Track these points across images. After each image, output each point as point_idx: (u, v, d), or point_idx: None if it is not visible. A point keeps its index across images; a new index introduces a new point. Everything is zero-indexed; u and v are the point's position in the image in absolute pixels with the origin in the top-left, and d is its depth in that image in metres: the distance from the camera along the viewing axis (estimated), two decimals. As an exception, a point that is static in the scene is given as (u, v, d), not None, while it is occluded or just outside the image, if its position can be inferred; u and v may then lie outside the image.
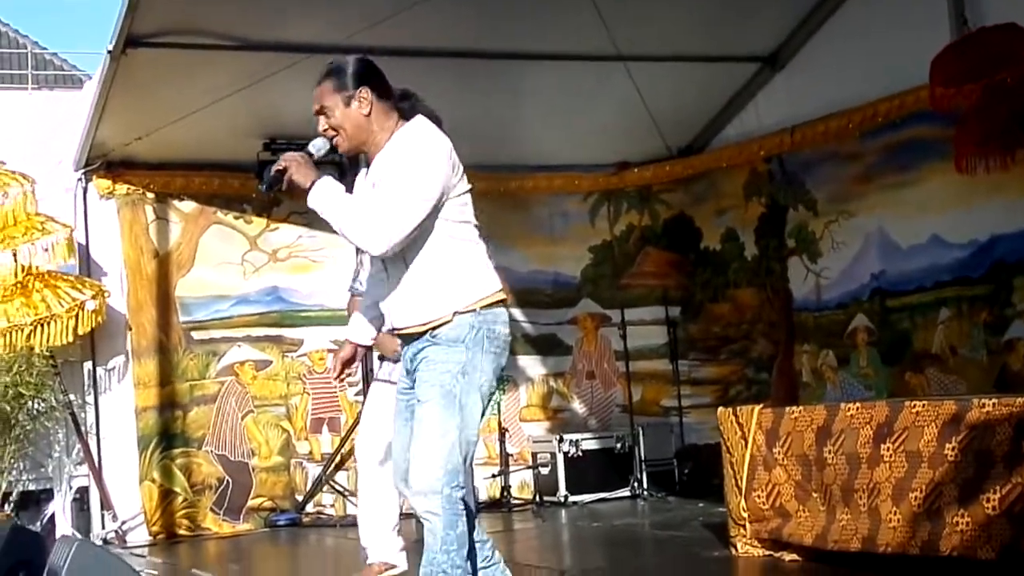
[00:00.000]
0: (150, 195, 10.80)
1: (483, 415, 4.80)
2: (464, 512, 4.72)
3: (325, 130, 4.84)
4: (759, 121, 11.33)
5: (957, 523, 5.41)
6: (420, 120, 4.79)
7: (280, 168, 4.72)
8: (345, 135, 4.81)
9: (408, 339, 4.84)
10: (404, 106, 4.86)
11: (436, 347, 4.70)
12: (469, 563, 4.76)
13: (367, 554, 7.03)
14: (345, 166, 5.17)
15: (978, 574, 5.50)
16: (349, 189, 4.82)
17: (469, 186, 4.81)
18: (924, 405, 5.73)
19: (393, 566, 6.92)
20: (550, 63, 10.45)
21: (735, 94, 11.51)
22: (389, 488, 6.88)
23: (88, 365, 10.53)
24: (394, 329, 4.92)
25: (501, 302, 4.82)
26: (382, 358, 7.01)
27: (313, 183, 4.66)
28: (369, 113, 4.79)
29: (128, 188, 10.69)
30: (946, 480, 5.48)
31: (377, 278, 5.03)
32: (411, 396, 4.85)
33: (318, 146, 4.85)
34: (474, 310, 4.71)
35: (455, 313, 4.68)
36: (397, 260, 4.75)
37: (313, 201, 4.67)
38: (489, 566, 5.03)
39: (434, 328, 4.70)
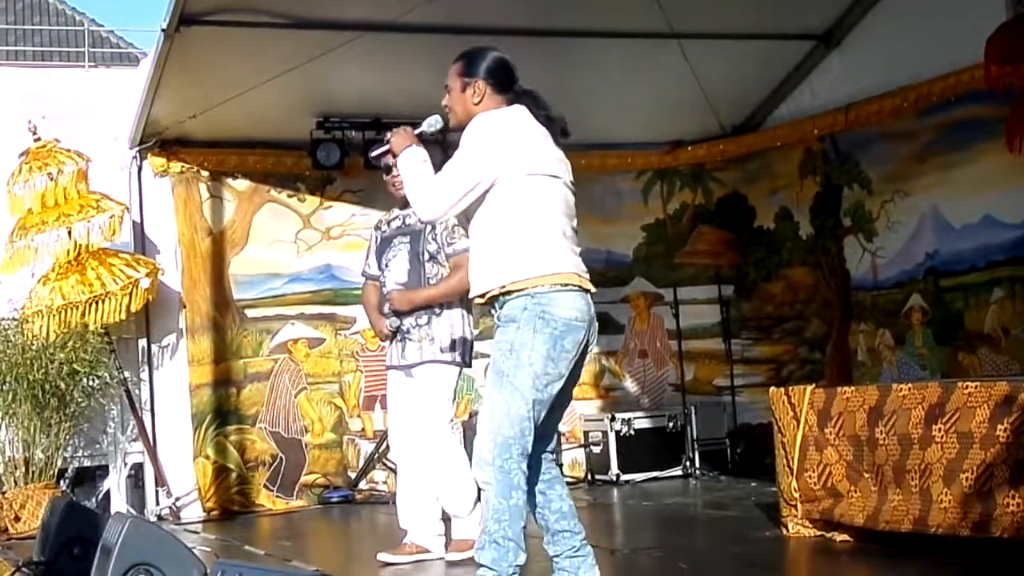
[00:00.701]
0: (204, 173, 10.87)
1: (547, 393, 4.91)
2: (521, 486, 4.87)
3: (445, 105, 5.28)
4: (813, 99, 11.26)
5: (1008, 504, 5.37)
6: (495, 110, 5.12)
7: (387, 138, 5.28)
8: (455, 115, 5.26)
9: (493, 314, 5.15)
10: (512, 99, 5.19)
11: (498, 329, 5.01)
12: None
13: (406, 536, 7.06)
14: (448, 145, 5.42)
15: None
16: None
17: (556, 177, 5.06)
18: (976, 386, 5.68)
19: (427, 550, 6.94)
20: (603, 41, 10.41)
21: (789, 72, 11.43)
22: (423, 474, 6.96)
23: (143, 342, 10.63)
24: (473, 299, 5.26)
25: (566, 287, 4.96)
26: (392, 337, 6.98)
27: (404, 149, 5.16)
28: (479, 103, 5.16)
29: (182, 166, 10.77)
30: (997, 461, 5.44)
31: None
32: None
33: (430, 123, 5.37)
34: (527, 291, 4.91)
35: (503, 287, 4.94)
36: (472, 232, 5.14)
37: (399, 164, 5.21)
38: (576, 556, 5.12)
39: (496, 305, 5.00)
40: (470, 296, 5.25)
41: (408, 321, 6.86)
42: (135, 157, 10.70)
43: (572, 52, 10.47)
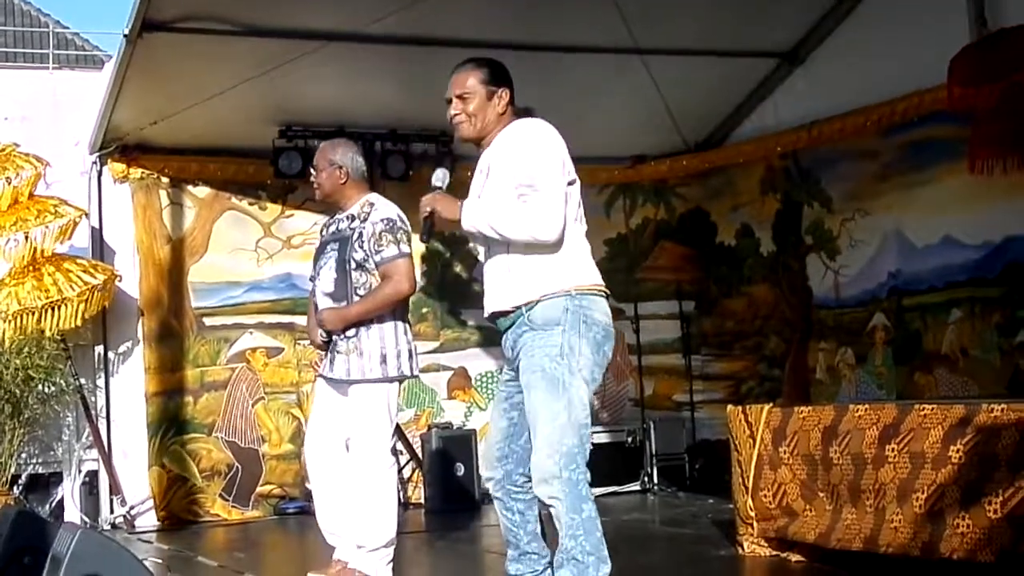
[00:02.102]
0: (164, 180, 10.80)
1: (592, 402, 4.89)
2: (589, 496, 4.78)
3: (457, 115, 5.12)
4: (777, 117, 11.30)
5: (958, 525, 5.38)
6: (536, 119, 5.07)
7: (427, 215, 5.07)
8: (476, 124, 5.09)
9: (506, 326, 4.99)
10: (520, 110, 5.15)
11: (533, 332, 4.86)
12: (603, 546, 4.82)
13: (335, 552, 6.68)
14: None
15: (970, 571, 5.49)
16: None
17: (577, 184, 5.03)
18: (933, 408, 5.69)
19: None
20: (568, 55, 10.40)
21: (753, 89, 11.47)
22: (336, 486, 6.72)
23: (99, 349, 10.55)
24: (492, 313, 5.06)
25: (600, 292, 4.94)
26: (324, 346, 6.81)
27: (460, 211, 4.95)
28: (503, 112, 5.09)
29: (143, 172, 10.69)
30: (949, 482, 5.45)
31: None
32: (512, 386, 5.02)
33: (439, 177, 5.22)
34: (569, 293, 4.84)
35: (543, 296, 4.83)
36: (497, 244, 4.97)
37: (469, 223, 4.94)
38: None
39: (524, 310, 4.87)
40: (492, 310, 5.05)
41: (337, 336, 6.55)
42: (95, 162, 10.62)
43: (536, 66, 10.43)
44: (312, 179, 6.79)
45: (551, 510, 4.78)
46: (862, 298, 10.48)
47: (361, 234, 6.50)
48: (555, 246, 4.87)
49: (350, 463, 6.57)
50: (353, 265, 6.54)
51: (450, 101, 5.15)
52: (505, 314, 4.96)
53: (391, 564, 6.58)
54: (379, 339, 6.49)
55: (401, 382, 6.60)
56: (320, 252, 6.82)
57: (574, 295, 4.83)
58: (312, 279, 6.91)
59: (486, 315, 5.14)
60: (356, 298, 6.48)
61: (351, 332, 6.50)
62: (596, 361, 4.86)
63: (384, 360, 6.48)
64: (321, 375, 6.78)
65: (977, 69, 8.35)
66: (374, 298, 6.44)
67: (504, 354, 5.10)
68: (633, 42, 10.15)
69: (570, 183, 4.94)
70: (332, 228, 6.80)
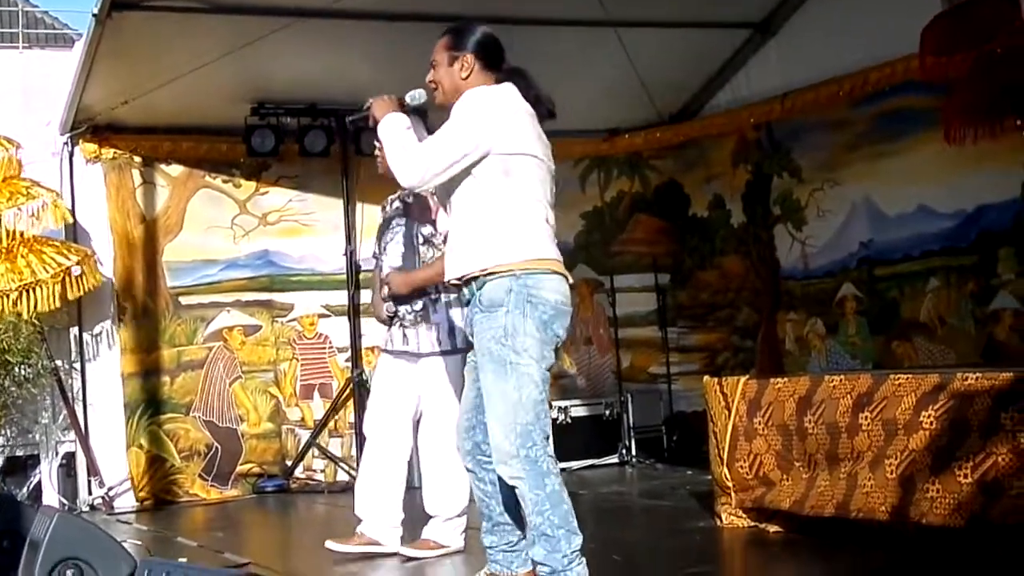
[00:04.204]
0: (137, 159, 10.73)
1: (545, 379, 4.89)
2: (552, 471, 4.81)
3: (430, 81, 5.20)
4: (750, 88, 11.29)
5: (928, 490, 5.42)
6: (485, 86, 5.07)
7: (368, 105, 5.24)
8: (442, 90, 5.16)
9: (466, 299, 5.06)
10: (502, 77, 5.14)
11: (481, 314, 4.90)
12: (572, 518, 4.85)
13: (360, 525, 6.84)
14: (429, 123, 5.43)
15: (949, 541, 5.54)
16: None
17: (539, 157, 4.99)
18: (907, 377, 5.72)
19: (378, 542, 6.73)
20: (541, 28, 10.35)
21: (727, 61, 11.45)
22: (393, 464, 6.83)
23: (74, 331, 10.50)
24: (449, 283, 5.20)
25: (552, 271, 4.92)
26: (390, 322, 6.86)
27: (386, 115, 5.12)
28: (467, 78, 5.09)
29: (115, 152, 10.62)
30: (920, 448, 5.49)
31: None
32: (474, 366, 5.10)
33: (413, 95, 5.33)
34: (512, 272, 4.84)
35: (484, 270, 4.86)
36: (451, 212, 5.07)
37: (380, 130, 5.13)
38: (511, 551, 5.14)
39: (475, 287, 4.93)
40: (446, 278, 5.18)
41: (404, 308, 6.70)
42: (67, 143, 10.55)
43: (509, 40, 10.33)
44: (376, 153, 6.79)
45: (516, 490, 4.82)
46: (830, 268, 10.50)
47: (430, 210, 6.61)
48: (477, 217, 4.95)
49: (420, 435, 6.78)
50: (421, 240, 6.72)
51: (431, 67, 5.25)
52: (459, 286, 5.06)
53: (464, 533, 6.73)
54: (445, 312, 6.65)
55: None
56: (385, 228, 6.96)
57: (519, 275, 4.83)
58: (376, 255, 7.00)
59: (446, 283, 5.32)
60: None
61: (418, 306, 6.65)
62: (543, 340, 4.85)
63: (452, 332, 6.63)
64: (386, 350, 6.89)
65: (949, 38, 8.32)
66: (441, 266, 6.50)
67: (466, 332, 5.20)
68: (606, 15, 10.12)
69: (520, 153, 4.93)
70: (396, 204, 6.89)
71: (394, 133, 5.06)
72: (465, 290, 5.02)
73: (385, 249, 6.88)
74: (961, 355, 9.16)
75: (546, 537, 4.75)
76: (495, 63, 5.15)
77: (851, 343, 10.29)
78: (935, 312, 9.53)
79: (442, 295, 6.65)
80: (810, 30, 10.55)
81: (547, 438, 4.83)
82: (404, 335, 6.73)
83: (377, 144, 5.44)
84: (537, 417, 4.79)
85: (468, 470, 5.23)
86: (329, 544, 6.84)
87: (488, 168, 4.89)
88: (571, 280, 5.01)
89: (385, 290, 6.79)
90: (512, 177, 4.90)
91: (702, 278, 11.95)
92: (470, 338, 5.07)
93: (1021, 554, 5.25)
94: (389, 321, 6.80)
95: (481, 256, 4.90)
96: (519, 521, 5.09)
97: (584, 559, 4.85)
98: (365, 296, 11.03)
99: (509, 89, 5.04)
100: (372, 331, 10.99)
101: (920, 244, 9.58)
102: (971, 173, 8.93)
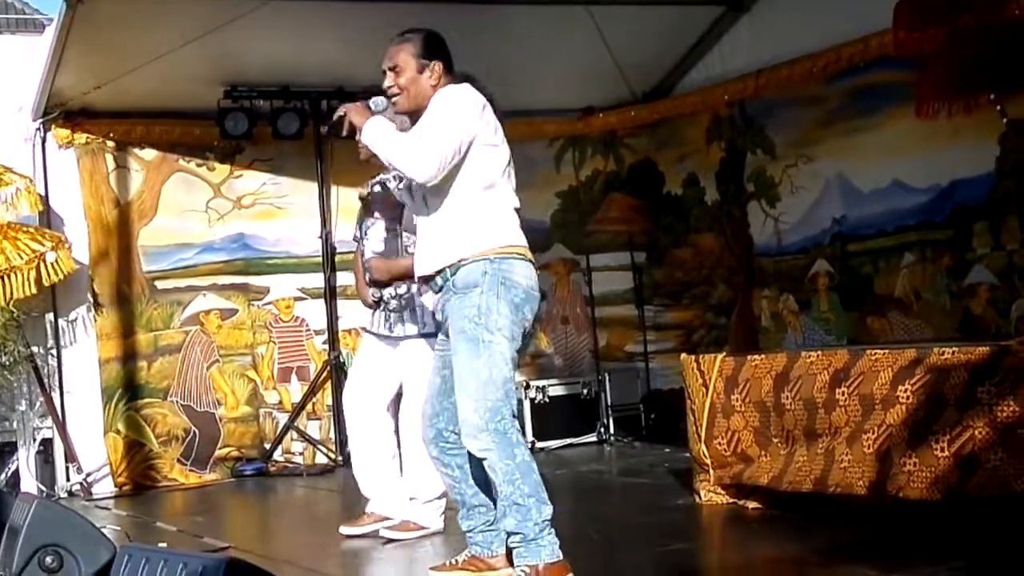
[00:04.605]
0: (110, 144, 10.67)
1: (514, 359, 5.04)
2: (520, 442, 4.96)
3: (390, 87, 5.21)
4: (723, 66, 11.26)
5: (904, 464, 5.46)
6: (462, 84, 5.14)
7: (341, 114, 5.21)
8: (408, 96, 5.19)
9: (437, 288, 5.16)
10: (459, 79, 5.20)
11: (456, 297, 5.02)
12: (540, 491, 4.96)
13: (368, 505, 6.95)
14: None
15: (926, 515, 5.57)
16: None
17: (504, 148, 5.16)
18: (884, 352, 5.75)
19: (388, 518, 6.78)
20: (514, 8, 10.35)
21: (699, 38, 11.41)
22: (379, 439, 6.87)
23: (50, 317, 10.45)
24: (420, 278, 5.28)
25: (523, 257, 5.07)
26: (375, 305, 6.87)
27: (368, 121, 5.10)
28: (435, 84, 5.16)
29: (87, 137, 10.56)
30: (897, 422, 5.52)
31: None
32: (446, 348, 5.16)
33: (377, 103, 5.32)
34: (487, 257, 4.98)
35: (461, 260, 4.98)
36: (421, 207, 5.18)
37: (367, 136, 5.10)
38: (489, 530, 5.22)
39: (448, 273, 5.03)
40: (420, 273, 5.23)
41: (388, 292, 6.71)
42: (39, 128, 10.48)
43: (482, 19, 10.39)
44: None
45: (485, 463, 4.94)
46: (803, 244, 10.50)
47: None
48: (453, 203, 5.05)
49: (400, 417, 6.80)
50: (402, 225, 6.70)
51: (383, 73, 5.25)
52: (431, 278, 5.12)
53: (444, 515, 6.76)
54: (431, 296, 6.61)
55: None
56: (365, 212, 7.01)
57: (493, 259, 4.98)
58: (356, 239, 7.00)
59: (416, 278, 5.36)
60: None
61: (403, 290, 6.66)
62: (515, 321, 5.02)
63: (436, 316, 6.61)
64: (369, 331, 6.93)
65: (922, 13, 8.35)
66: None
67: (436, 317, 5.28)
68: (578, -7, 10.12)
69: (492, 145, 5.06)
70: (375, 187, 6.88)
71: (386, 136, 5.06)
72: (438, 278, 5.10)
73: (366, 233, 6.91)
74: (937, 329, 9.19)
75: (517, 506, 4.87)
76: (451, 66, 5.25)
77: (824, 319, 10.32)
78: (910, 287, 9.54)
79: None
80: (783, 6, 10.52)
81: (514, 415, 4.97)
82: (387, 320, 6.76)
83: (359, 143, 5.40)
84: (506, 394, 4.95)
85: (433, 458, 5.35)
86: (343, 529, 6.92)
87: (469, 159, 5.01)
88: (536, 266, 5.16)
89: (367, 275, 6.81)
90: (488, 168, 5.05)
91: (677, 256, 11.96)
92: (444, 324, 5.16)
93: (997, 527, 5.29)
94: (374, 306, 6.82)
95: (458, 247, 5.02)
96: (493, 500, 5.15)
97: (554, 529, 4.96)
98: (341, 278, 11.05)
99: (468, 86, 5.14)
100: (349, 313, 11.03)
101: (894, 219, 9.59)
102: (945, 148, 8.93)
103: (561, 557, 4.96)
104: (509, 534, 4.95)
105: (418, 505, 6.73)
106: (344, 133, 5.25)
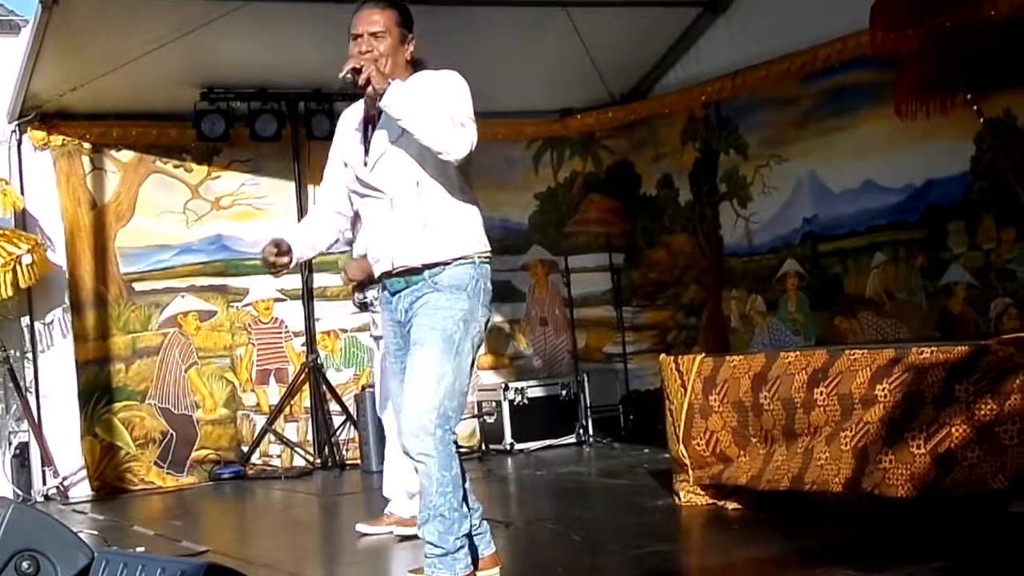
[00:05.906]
0: (87, 146, 10.64)
1: (470, 372, 4.93)
2: (456, 455, 4.84)
3: (368, 51, 4.79)
4: (700, 66, 11.29)
5: (880, 461, 5.47)
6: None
7: (354, 67, 4.68)
8: (382, 66, 4.75)
9: (399, 287, 4.92)
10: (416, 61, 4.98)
11: (439, 294, 4.83)
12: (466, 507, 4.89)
13: (388, 506, 6.95)
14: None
15: (903, 513, 5.58)
16: None
17: None
18: (862, 352, 5.76)
19: (408, 522, 6.62)
20: (491, 9, 10.37)
21: (676, 39, 11.44)
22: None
23: (26, 320, 10.40)
24: (393, 269, 4.92)
25: (490, 261, 4.99)
26: (362, 308, 6.85)
27: (390, 83, 4.67)
28: (409, 61, 4.91)
29: (64, 139, 10.52)
30: (874, 420, 5.53)
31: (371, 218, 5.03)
32: (404, 354, 4.95)
33: (346, 80, 4.73)
34: (474, 261, 4.88)
35: (454, 258, 4.83)
36: (410, 198, 4.84)
37: (391, 98, 4.65)
38: (473, 534, 5.08)
39: (427, 274, 4.83)
40: (401, 264, 4.88)
41: (371, 294, 6.70)
42: (15, 130, 10.44)
43: (460, 21, 10.39)
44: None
45: (420, 467, 4.79)
46: (774, 244, 10.56)
47: None
48: (462, 194, 4.92)
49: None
50: None
51: (356, 38, 4.86)
52: (411, 272, 4.86)
53: None
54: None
55: None
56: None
57: (478, 263, 4.89)
58: (350, 242, 6.98)
59: (380, 271, 5.01)
60: None
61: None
62: (483, 330, 4.96)
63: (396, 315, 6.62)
64: (374, 336, 7.00)
65: (899, 14, 8.38)
66: None
67: (389, 316, 5.04)
68: (555, -6, 10.13)
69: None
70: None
71: (418, 102, 4.67)
72: (425, 273, 4.85)
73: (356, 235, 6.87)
74: (914, 329, 9.22)
75: (442, 518, 4.77)
76: None
77: (792, 319, 10.36)
78: (882, 287, 9.58)
79: None
80: (759, 7, 10.55)
81: (456, 425, 4.85)
82: (373, 321, 6.79)
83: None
84: (460, 407, 4.85)
85: (408, 456, 5.16)
86: (359, 527, 6.94)
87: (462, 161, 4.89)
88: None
89: (356, 294, 6.79)
90: (472, 166, 4.95)
91: (652, 257, 12.01)
92: (405, 322, 4.92)
93: (973, 524, 5.30)
94: (363, 308, 6.80)
95: (452, 245, 4.87)
96: (473, 503, 5.08)
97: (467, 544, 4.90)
98: (319, 280, 11.03)
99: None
100: (327, 315, 11.02)
101: (866, 219, 9.63)
102: (919, 148, 8.98)
103: (472, 569, 4.90)
104: (428, 543, 4.82)
105: (401, 501, 6.77)
106: (361, 82, 4.65)
